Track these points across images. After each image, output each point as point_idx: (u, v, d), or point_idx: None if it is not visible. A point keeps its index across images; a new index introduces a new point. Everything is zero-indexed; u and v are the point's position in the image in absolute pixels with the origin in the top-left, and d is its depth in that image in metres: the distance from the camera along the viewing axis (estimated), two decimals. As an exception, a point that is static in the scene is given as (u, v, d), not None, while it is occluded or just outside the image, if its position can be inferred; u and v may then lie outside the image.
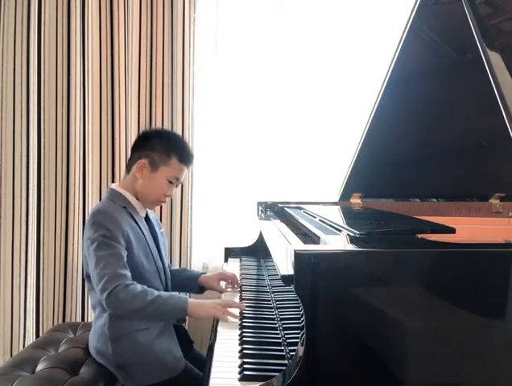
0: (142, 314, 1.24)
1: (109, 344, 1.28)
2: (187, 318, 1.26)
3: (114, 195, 1.39)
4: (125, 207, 1.37)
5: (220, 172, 2.16)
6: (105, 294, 1.20)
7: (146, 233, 1.40)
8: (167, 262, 1.51)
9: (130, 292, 1.21)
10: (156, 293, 1.25)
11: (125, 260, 1.27)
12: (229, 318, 1.22)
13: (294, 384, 0.78)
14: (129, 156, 1.45)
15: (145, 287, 1.25)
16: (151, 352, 1.27)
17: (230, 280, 1.55)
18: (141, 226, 1.38)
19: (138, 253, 1.33)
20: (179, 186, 2.05)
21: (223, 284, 1.56)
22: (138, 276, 1.30)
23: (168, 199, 1.49)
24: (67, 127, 2.07)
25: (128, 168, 1.44)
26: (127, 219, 1.34)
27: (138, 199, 1.42)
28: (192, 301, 1.27)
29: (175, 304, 1.26)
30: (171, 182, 1.40)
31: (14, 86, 2.05)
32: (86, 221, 1.35)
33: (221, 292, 1.52)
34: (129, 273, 1.26)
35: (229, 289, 1.52)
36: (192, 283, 1.57)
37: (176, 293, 1.31)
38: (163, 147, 1.38)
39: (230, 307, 1.26)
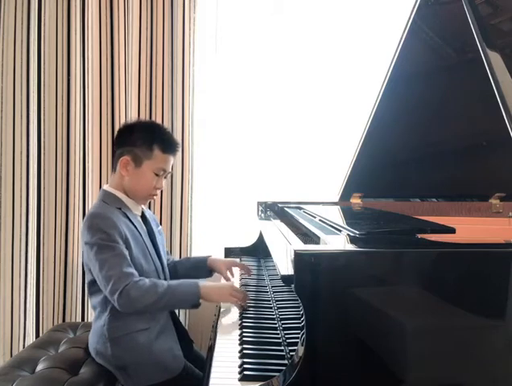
0: (156, 307, 1.23)
1: (108, 345, 1.28)
2: (200, 302, 1.26)
3: (107, 197, 1.36)
4: (120, 208, 1.35)
5: (220, 172, 2.16)
6: (116, 295, 1.19)
7: (142, 233, 1.38)
8: (165, 261, 1.50)
9: (140, 288, 1.20)
10: (166, 283, 1.25)
11: (129, 258, 1.27)
12: (228, 317, 1.23)
13: (294, 384, 0.78)
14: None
15: (153, 280, 1.25)
16: (151, 353, 1.26)
17: (243, 270, 1.56)
18: (137, 226, 1.37)
19: (136, 254, 1.32)
20: (180, 185, 2.06)
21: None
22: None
23: (159, 192, 1.46)
24: (67, 127, 2.07)
25: (113, 166, 1.41)
26: (123, 220, 1.32)
27: (129, 197, 1.40)
28: (204, 284, 1.27)
29: (186, 291, 1.26)
30: (157, 175, 1.37)
31: (14, 86, 2.05)
32: (82, 225, 1.33)
33: (227, 279, 1.52)
34: (135, 271, 1.25)
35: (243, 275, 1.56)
36: (200, 268, 1.56)
37: (186, 280, 1.30)
38: (144, 140, 1.34)
39: (244, 296, 1.28)
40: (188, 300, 1.26)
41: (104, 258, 1.23)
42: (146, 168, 1.35)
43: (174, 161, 1.44)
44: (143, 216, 1.45)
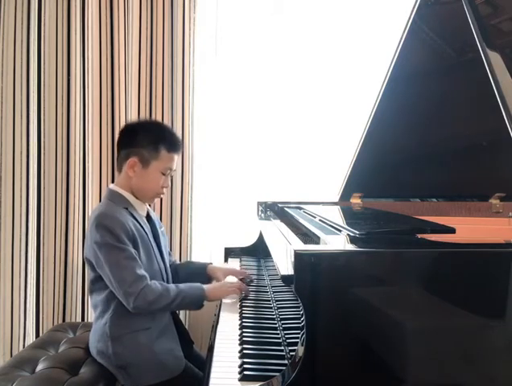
0: (167, 309, 1.31)
1: (109, 344, 1.28)
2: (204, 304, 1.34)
3: (114, 196, 1.37)
4: (126, 208, 1.35)
5: (220, 172, 2.16)
6: (132, 298, 1.22)
7: (148, 233, 1.39)
8: (168, 262, 1.51)
9: (154, 291, 1.24)
10: (175, 287, 1.30)
11: (139, 260, 1.29)
12: (228, 317, 1.24)
13: (294, 384, 0.78)
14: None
15: (163, 283, 1.30)
16: (152, 352, 1.27)
17: (242, 276, 1.57)
18: (143, 226, 1.37)
19: (141, 254, 1.32)
20: (180, 185, 2.06)
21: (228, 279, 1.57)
22: None
23: (166, 190, 1.48)
24: (67, 127, 2.07)
25: (119, 167, 1.41)
26: (130, 219, 1.32)
27: (136, 197, 1.40)
28: (207, 286, 1.35)
29: (195, 293, 1.32)
30: (164, 174, 1.39)
31: (14, 86, 2.05)
32: (90, 223, 1.33)
33: None
34: (146, 273, 1.27)
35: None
36: (200, 274, 1.59)
37: (192, 284, 1.35)
38: (150, 141, 1.35)
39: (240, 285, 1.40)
40: (195, 302, 1.32)
41: (115, 260, 1.24)
42: (153, 169, 1.37)
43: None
44: (148, 217, 1.46)
